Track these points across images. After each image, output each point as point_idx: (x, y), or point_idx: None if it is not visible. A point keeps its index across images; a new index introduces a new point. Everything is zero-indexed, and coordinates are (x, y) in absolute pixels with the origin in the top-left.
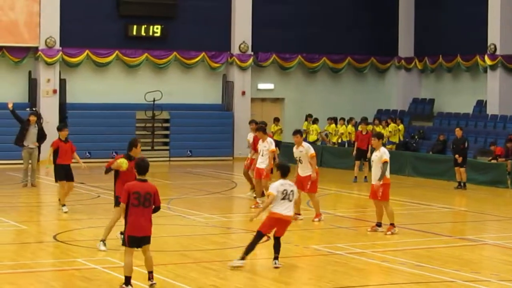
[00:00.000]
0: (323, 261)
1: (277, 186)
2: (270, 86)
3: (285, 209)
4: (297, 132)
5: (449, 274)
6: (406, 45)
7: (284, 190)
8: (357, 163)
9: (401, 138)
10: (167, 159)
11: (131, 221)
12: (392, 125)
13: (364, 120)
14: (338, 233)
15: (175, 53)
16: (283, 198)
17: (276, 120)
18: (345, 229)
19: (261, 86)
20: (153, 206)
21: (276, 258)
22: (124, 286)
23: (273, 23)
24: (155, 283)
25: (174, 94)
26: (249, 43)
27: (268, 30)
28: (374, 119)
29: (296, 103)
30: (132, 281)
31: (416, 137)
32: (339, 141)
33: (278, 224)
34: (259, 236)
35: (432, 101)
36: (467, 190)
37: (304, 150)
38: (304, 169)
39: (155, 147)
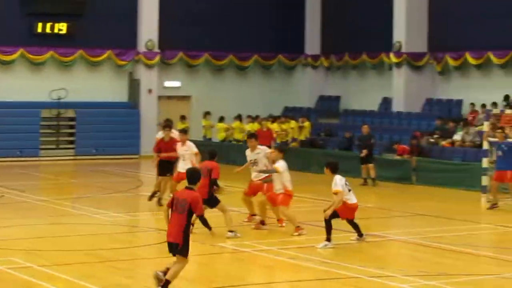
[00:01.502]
0: (230, 258)
1: (342, 183)
2: (177, 83)
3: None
4: (251, 135)
5: (355, 270)
6: (312, 43)
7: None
8: None
9: (308, 135)
10: (73, 157)
11: (168, 226)
12: (292, 122)
13: (266, 118)
14: (245, 230)
15: (81, 50)
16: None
17: (183, 118)
18: (252, 227)
19: (168, 83)
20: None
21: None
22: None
23: (180, 20)
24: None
25: (80, 92)
26: (156, 41)
27: (175, 27)
28: (281, 116)
29: (203, 101)
30: None
31: (323, 134)
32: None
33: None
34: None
35: (338, 98)
36: (373, 187)
37: (261, 152)
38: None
39: (60, 146)
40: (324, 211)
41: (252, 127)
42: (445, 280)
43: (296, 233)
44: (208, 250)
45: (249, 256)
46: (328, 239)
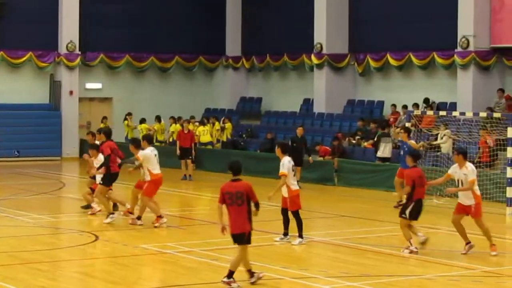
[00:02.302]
0: (153, 260)
1: (288, 165)
2: (98, 85)
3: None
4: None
5: (277, 271)
6: (233, 44)
7: (292, 166)
8: (183, 162)
9: (229, 137)
10: None
11: (230, 219)
12: (217, 124)
13: (187, 119)
14: (167, 232)
15: (1, 52)
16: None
17: (104, 118)
18: (174, 228)
19: (89, 85)
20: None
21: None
22: (226, 279)
23: (101, 22)
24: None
25: (0, 93)
26: (77, 42)
27: (96, 29)
28: (202, 118)
29: (124, 103)
30: None
31: (244, 135)
32: (171, 139)
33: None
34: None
35: (260, 100)
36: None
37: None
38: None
39: None
40: (269, 198)
41: (175, 128)
42: (367, 281)
43: (157, 224)
44: (130, 252)
45: (171, 257)
46: (285, 233)
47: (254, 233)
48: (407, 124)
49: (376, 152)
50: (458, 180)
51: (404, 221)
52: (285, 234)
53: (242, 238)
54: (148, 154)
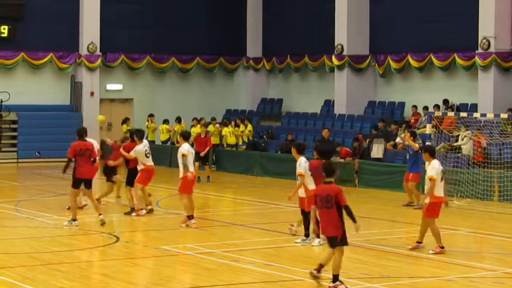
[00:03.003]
0: (173, 261)
1: (304, 165)
2: (119, 86)
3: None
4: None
5: (298, 272)
6: (254, 45)
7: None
8: (197, 164)
9: (250, 138)
10: (15, 160)
11: (322, 222)
12: (242, 126)
13: (205, 123)
14: (187, 233)
15: (22, 53)
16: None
17: (127, 120)
18: (194, 229)
19: (110, 86)
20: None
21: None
22: (332, 284)
23: (122, 23)
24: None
25: (22, 95)
26: (98, 44)
27: (117, 30)
28: (222, 119)
29: (145, 104)
30: None
31: (265, 136)
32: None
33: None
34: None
35: (280, 101)
36: None
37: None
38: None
39: (3, 149)
40: (289, 198)
41: (194, 130)
42: (387, 282)
43: (134, 214)
44: (151, 253)
45: (191, 258)
46: (306, 235)
47: (274, 234)
48: (428, 126)
49: (370, 152)
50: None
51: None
52: (306, 235)
53: (334, 241)
54: (140, 150)
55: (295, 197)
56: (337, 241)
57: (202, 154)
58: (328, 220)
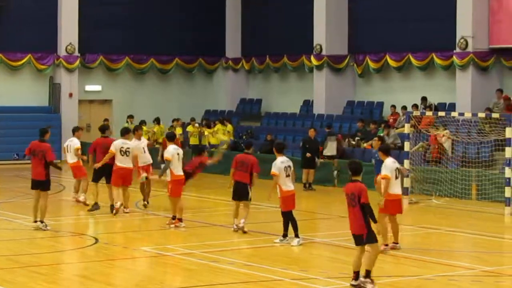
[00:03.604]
0: (153, 262)
1: (279, 165)
2: (97, 87)
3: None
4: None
5: (277, 272)
6: (233, 46)
7: (285, 166)
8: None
9: (232, 138)
10: None
11: (349, 220)
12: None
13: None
14: (167, 234)
15: (0, 55)
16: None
17: (106, 120)
18: (174, 230)
19: (89, 87)
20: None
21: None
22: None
23: (100, 24)
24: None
25: (0, 96)
26: (76, 45)
27: (95, 31)
28: (202, 120)
29: (124, 105)
30: None
31: (245, 137)
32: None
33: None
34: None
35: (259, 101)
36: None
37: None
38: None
39: None
40: (268, 199)
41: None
42: None
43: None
44: (130, 254)
45: (171, 259)
46: (284, 235)
47: (254, 235)
48: (406, 125)
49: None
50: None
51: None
52: (284, 235)
53: (360, 239)
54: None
55: (275, 197)
56: (363, 239)
57: None
58: (354, 218)
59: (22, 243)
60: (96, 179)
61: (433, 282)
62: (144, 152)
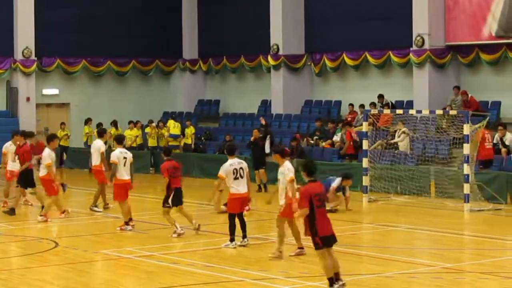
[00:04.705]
0: (113, 265)
1: (228, 168)
2: (55, 91)
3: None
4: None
5: (238, 273)
6: (190, 47)
7: (234, 169)
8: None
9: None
10: None
11: (320, 222)
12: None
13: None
14: (126, 236)
15: None
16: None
17: (63, 124)
18: (133, 233)
19: (46, 91)
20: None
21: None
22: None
23: (57, 27)
24: (344, 283)
25: None
26: (33, 48)
27: (52, 34)
28: (159, 122)
29: (82, 108)
30: None
31: (203, 138)
32: (134, 145)
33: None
34: (232, 217)
35: (217, 102)
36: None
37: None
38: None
39: None
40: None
41: (131, 133)
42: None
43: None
44: (90, 257)
45: (131, 262)
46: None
47: (213, 235)
48: (364, 124)
49: None
50: (278, 180)
51: (166, 209)
52: (231, 239)
53: (333, 239)
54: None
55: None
56: (335, 238)
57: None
58: (326, 219)
59: None
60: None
61: (394, 280)
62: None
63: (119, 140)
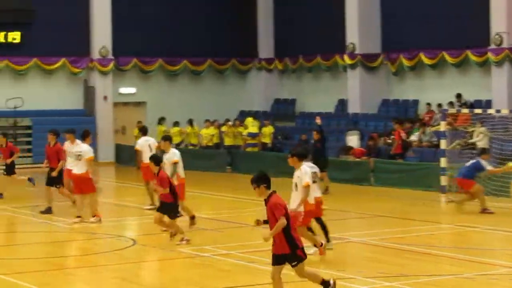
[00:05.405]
0: (190, 263)
1: (309, 171)
2: (132, 90)
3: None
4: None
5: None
6: (266, 46)
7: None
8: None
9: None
10: (30, 165)
11: (295, 233)
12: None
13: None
14: (204, 235)
15: (35, 59)
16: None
17: (139, 123)
18: (211, 231)
19: (123, 90)
20: None
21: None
22: None
23: (133, 26)
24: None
25: (35, 100)
26: (109, 47)
27: (128, 33)
28: (235, 120)
29: (158, 107)
30: None
31: (280, 137)
32: (211, 143)
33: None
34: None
35: (293, 101)
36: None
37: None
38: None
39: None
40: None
41: (207, 132)
42: (405, 281)
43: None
44: (167, 256)
45: (208, 260)
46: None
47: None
48: (442, 123)
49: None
50: (294, 184)
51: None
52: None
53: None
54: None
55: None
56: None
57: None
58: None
59: (60, 246)
60: None
61: (472, 281)
62: (151, 151)
63: (145, 131)
